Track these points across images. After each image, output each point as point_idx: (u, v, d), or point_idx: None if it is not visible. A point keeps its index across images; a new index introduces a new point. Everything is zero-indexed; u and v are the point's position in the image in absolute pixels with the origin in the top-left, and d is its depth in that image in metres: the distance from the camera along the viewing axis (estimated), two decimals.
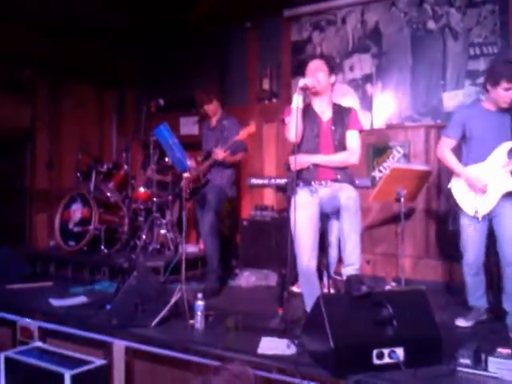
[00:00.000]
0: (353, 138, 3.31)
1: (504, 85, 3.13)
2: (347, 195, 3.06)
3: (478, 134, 3.27)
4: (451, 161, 3.39)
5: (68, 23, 5.60)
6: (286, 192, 3.38)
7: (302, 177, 3.23)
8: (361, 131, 3.38)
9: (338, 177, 3.24)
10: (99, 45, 6.11)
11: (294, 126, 3.13)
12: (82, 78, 6.40)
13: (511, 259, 3.16)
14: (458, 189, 3.39)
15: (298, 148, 3.14)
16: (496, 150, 3.22)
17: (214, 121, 4.75)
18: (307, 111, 3.29)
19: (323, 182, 3.24)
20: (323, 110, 3.34)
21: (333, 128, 3.29)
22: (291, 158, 3.17)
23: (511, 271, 3.18)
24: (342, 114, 3.33)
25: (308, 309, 3.16)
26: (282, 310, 3.23)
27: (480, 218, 3.25)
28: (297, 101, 3.13)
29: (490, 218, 3.29)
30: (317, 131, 3.28)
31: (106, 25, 5.80)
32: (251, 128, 4.18)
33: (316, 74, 3.25)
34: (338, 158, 3.25)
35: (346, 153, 3.28)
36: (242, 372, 1.24)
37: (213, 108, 4.68)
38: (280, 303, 3.24)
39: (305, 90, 3.21)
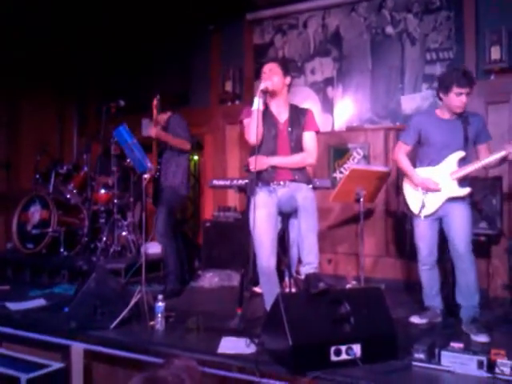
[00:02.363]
0: (309, 139, 3.38)
1: (455, 90, 3.25)
2: (304, 195, 3.14)
3: (432, 140, 3.40)
4: (404, 163, 3.52)
5: (27, 24, 5.49)
6: (246, 193, 3.40)
7: (261, 178, 3.28)
8: (317, 132, 3.45)
9: (296, 177, 3.31)
10: (59, 45, 6.01)
11: (254, 128, 3.19)
12: (41, 78, 6.27)
13: (461, 252, 3.28)
14: (407, 189, 3.55)
15: (257, 149, 3.19)
16: (448, 157, 3.35)
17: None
18: (265, 113, 3.33)
19: (281, 183, 3.30)
20: (280, 111, 3.40)
21: (289, 129, 3.35)
22: (251, 159, 3.23)
23: (462, 265, 3.30)
24: (298, 115, 3.39)
25: (268, 308, 3.16)
26: (241, 309, 3.24)
27: (422, 218, 3.39)
28: (257, 103, 3.19)
29: (439, 218, 3.42)
30: (274, 132, 3.33)
31: (66, 25, 5.72)
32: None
33: (271, 76, 3.32)
34: (295, 160, 3.31)
35: (303, 154, 3.35)
36: (189, 365, 1.24)
37: (165, 116, 4.61)
38: (239, 303, 3.25)
39: (265, 92, 3.28)
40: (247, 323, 3.30)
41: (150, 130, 4.35)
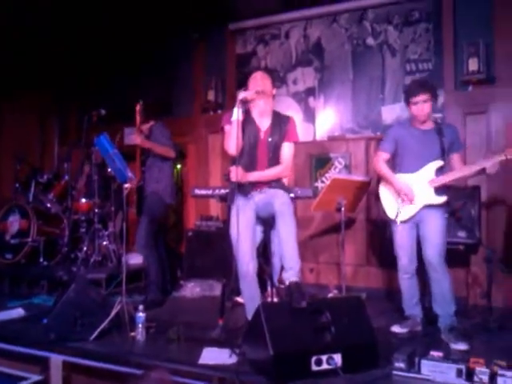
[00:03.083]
0: (287, 151, 3.40)
1: (412, 100, 3.38)
2: (280, 201, 3.18)
3: (408, 150, 3.47)
4: (383, 169, 3.58)
5: (9, 31, 5.45)
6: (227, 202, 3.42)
7: (241, 189, 3.30)
8: (296, 142, 3.47)
9: (272, 184, 3.35)
10: (42, 52, 5.97)
11: (234, 140, 3.20)
12: (23, 86, 6.20)
13: (433, 262, 3.32)
14: (384, 194, 3.61)
15: (238, 160, 3.21)
16: (426, 166, 3.41)
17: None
18: (247, 120, 3.34)
19: (258, 189, 3.35)
20: (262, 119, 3.40)
21: (269, 140, 3.36)
22: (231, 169, 3.24)
23: (435, 275, 3.34)
24: (280, 124, 3.39)
25: (249, 315, 3.21)
26: (222, 320, 3.23)
27: (398, 223, 3.44)
28: (237, 114, 3.19)
29: (416, 224, 3.46)
30: (254, 141, 3.35)
31: (48, 34, 5.68)
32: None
33: (262, 82, 3.33)
34: (271, 174, 3.35)
35: (277, 168, 3.37)
36: (162, 378, 1.24)
37: (147, 125, 4.60)
38: (221, 313, 3.24)
39: (244, 102, 3.27)
40: (229, 333, 3.30)
41: (135, 138, 4.32)
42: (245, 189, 3.31)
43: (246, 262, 3.25)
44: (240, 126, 3.21)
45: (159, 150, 4.38)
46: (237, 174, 3.17)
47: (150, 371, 1.27)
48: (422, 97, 3.34)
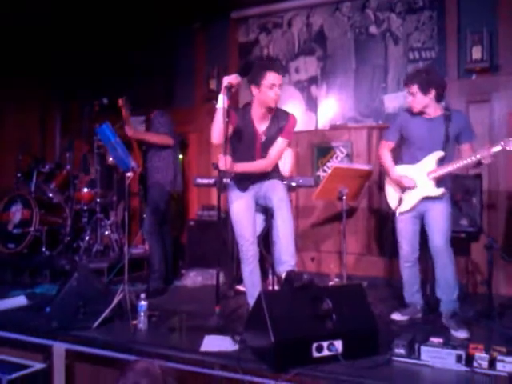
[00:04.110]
0: (277, 145, 3.32)
1: (405, 90, 3.38)
2: (279, 197, 3.20)
3: (412, 139, 3.44)
4: (384, 158, 3.57)
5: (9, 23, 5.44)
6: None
7: (239, 183, 3.36)
8: (289, 142, 3.44)
9: (269, 175, 3.37)
10: (43, 42, 5.95)
11: (217, 128, 3.12)
12: (25, 76, 6.19)
13: (439, 247, 3.32)
14: (387, 184, 3.60)
15: (225, 147, 3.11)
16: (427, 156, 3.37)
17: None
18: (245, 122, 3.27)
19: (254, 183, 3.37)
20: (262, 120, 3.30)
21: (264, 139, 3.30)
22: (220, 158, 3.12)
23: (440, 261, 3.33)
24: (278, 121, 3.28)
25: (251, 300, 3.25)
26: (219, 307, 3.22)
27: (397, 214, 3.46)
28: (222, 101, 3.09)
29: (421, 214, 3.45)
30: (251, 145, 3.30)
31: (48, 20, 5.66)
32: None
33: (279, 86, 3.18)
34: (256, 167, 3.32)
35: (263, 162, 3.32)
36: (148, 368, 1.23)
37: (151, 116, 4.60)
38: (217, 300, 3.24)
39: (229, 88, 3.11)
40: (230, 321, 3.31)
41: (127, 130, 4.31)
42: (243, 184, 3.34)
43: (248, 243, 3.30)
44: (225, 114, 3.07)
45: (154, 139, 4.37)
46: (225, 162, 3.06)
47: (133, 363, 1.27)
48: (408, 88, 3.33)
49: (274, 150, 3.31)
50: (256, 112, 3.27)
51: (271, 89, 3.14)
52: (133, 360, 1.29)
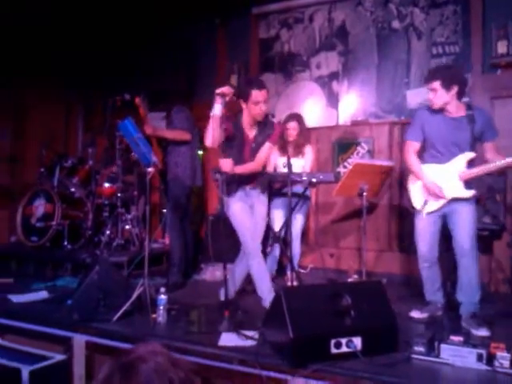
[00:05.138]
0: (264, 149, 3.64)
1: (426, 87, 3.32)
2: (262, 217, 3.74)
3: (435, 137, 3.35)
4: (414, 165, 3.45)
5: (33, 17, 5.50)
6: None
7: (237, 180, 3.61)
8: (274, 145, 3.78)
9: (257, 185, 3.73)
10: (66, 40, 6.02)
11: (210, 134, 3.39)
12: (48, 72, 6.27)
13: (465, 248, 3.25)
14: (412, 183, 3.50)
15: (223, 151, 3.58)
16: (456, 157, 3.29)
17: None
18: (236, 129, 3.57)
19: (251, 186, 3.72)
20: (251, 127, 3.61)
21: (254, 145, 3.62)
22: (222, 161, 3.46)
23: (465, 262, 3.26)
24: (266, 129, 3.60)
25: (259, 292, 3.59)
26: (227, 312, 3.20)
27: (424, 215, 3.37)
28: (217, 109, 3.34)
29: (444, 215, 3.38)
30: (241, 150, 3.60)
31: (72, 21, 5.72)
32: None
33: (266, 102, 3.49)
34: (249, 168, 3.63)
35: (252, 164, 3.64)
36: (154, 350, 1.17)
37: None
38: (226, 306, 3.23)
39: (222, 96, 3.35)
40: (249, 317, 3.31)
41: (146, 129, 4.34)
42: (231, 187, 3.62)
43: (252, 240, 3.59)
44: (218, 121, 3.34)
45: (172, 135, 4.43)
46: (228, 165, 3.42)
47: (139, 345, 1.20)
48: (430, 84, 3.25)
49: (262, 154, 3.64)
50: (246, 120, 3.59)
51: (257, 105, 3.46)
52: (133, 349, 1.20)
